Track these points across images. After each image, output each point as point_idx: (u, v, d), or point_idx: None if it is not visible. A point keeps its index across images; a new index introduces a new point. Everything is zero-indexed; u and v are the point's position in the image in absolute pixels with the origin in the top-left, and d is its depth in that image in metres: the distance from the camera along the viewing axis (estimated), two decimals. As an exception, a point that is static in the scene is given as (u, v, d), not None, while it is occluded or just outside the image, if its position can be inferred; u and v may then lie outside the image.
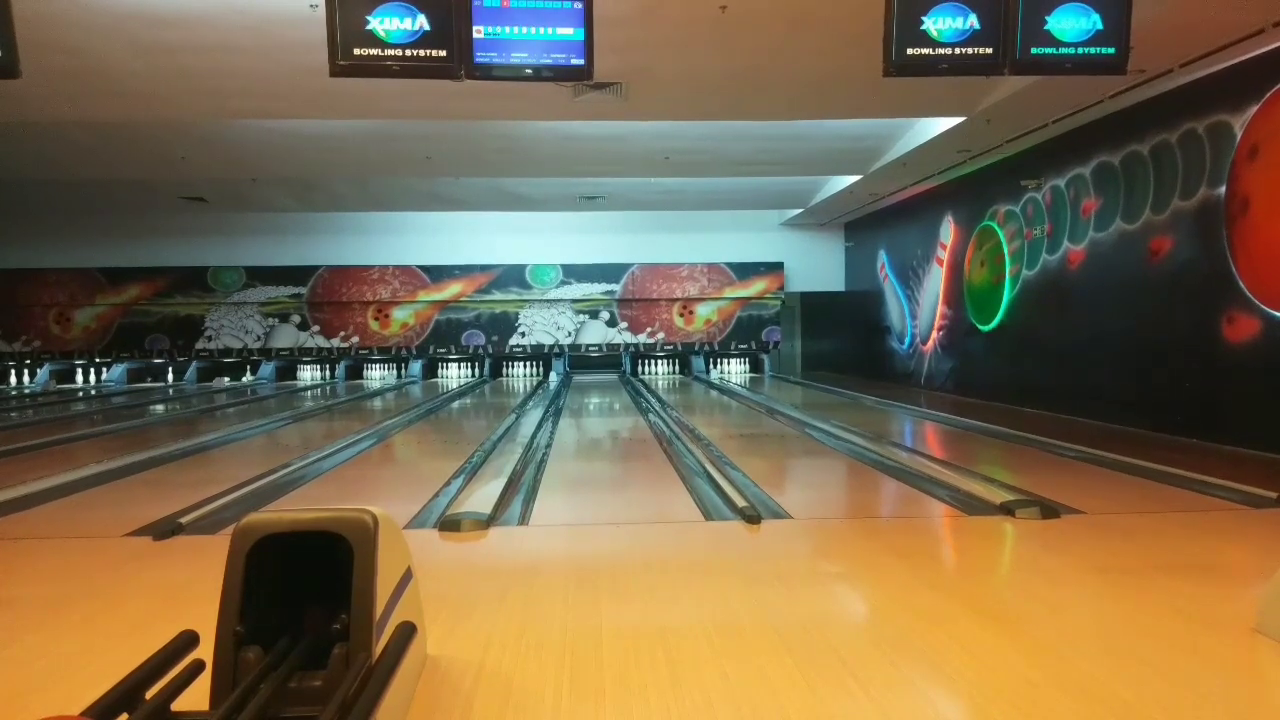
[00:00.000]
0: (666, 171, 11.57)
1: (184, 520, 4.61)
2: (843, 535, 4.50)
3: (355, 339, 16.90)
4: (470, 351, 17.03)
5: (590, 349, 17.09)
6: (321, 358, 17.00)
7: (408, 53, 4.91)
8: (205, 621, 2.17)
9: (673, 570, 3.78)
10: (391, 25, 4.88)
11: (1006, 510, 4.69)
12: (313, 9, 5.43)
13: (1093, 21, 5.05)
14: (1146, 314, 8.13)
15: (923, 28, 5.01)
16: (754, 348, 17.22)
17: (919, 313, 13.65)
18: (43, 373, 16.63)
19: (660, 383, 15.55)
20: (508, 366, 17.26)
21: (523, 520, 4.80)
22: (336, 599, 2.20)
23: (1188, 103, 7.42)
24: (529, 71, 5.04)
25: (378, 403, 12.84)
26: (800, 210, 15.42)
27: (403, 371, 17.14)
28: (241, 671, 2.08)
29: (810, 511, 5.19)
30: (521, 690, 2.53)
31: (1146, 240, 8.08)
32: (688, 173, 11.73)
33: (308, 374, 17.25)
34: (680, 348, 17.20)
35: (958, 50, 5.04)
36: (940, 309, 12.81)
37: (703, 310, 17.09)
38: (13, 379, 16.71)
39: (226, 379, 17.03)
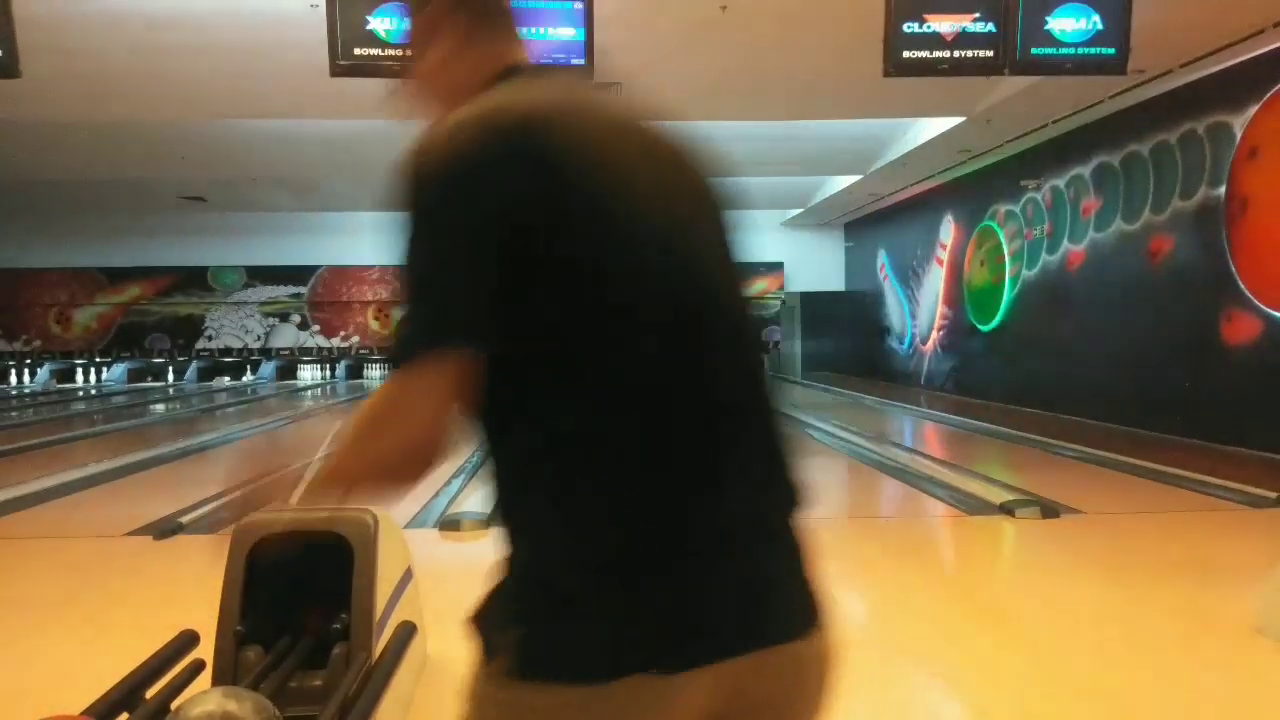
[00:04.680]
0: (666, 171, 11.56)
1: (184, 520, 4.61)
2: (843, 535, 4.50)
3: (355, 338, 16.90)
4: (470, 351, 17.04)
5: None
6: (322, 357, 17.00)
7: (407, 53, 4.91)
8: (205, 621, 2.17)
9: (673, 570, 3.77)
10: (391, 25, 4.88)
11: (1006, 510, 4.69)
12: (313, 9, 5.42)
13: (1093, 22, 5.05)
14: (1146, 314, 8.13)
15: (923, 28, 5.01)
16: (754, 348, 17.20)
17: (919, 313, 13.65)
18: (43, 372, 16.63)
19: (660, 383, 15.54)
20: (508, 366, 17.25)
21: (523, 520, 4.79)
22: (337, 599, 2.20)
23: (1188, 103, 7.41)
24: (529, 71, 5.03)
25: (378, 402, 12.82)
26: (800, 210, 15.41)
27: (403, 371, 17.13)
28: (242, 671, 2.08)
29: (810, 511, 5.20)
30: (521, 690, 2.52)
31: (1146, 240, 8.08)
32: (687, 172, 11.71)
33: (308, 374, 17.24)
34: (680, 347, 17.18)
35: (958, 50, 5.04)
36: (940, 309, 12.81)
37: (703, 310, 17.07)
38: (13, 378, 16.69)
39: (227, 378, 17.02)
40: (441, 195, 0.94)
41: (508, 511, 0.98)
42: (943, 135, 9.20)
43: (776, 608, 1.00)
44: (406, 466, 0.99)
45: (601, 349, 0.93)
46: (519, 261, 0.91)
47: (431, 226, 0.95)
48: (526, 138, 0.94)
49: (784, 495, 1.05)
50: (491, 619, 0.95)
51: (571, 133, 0.98)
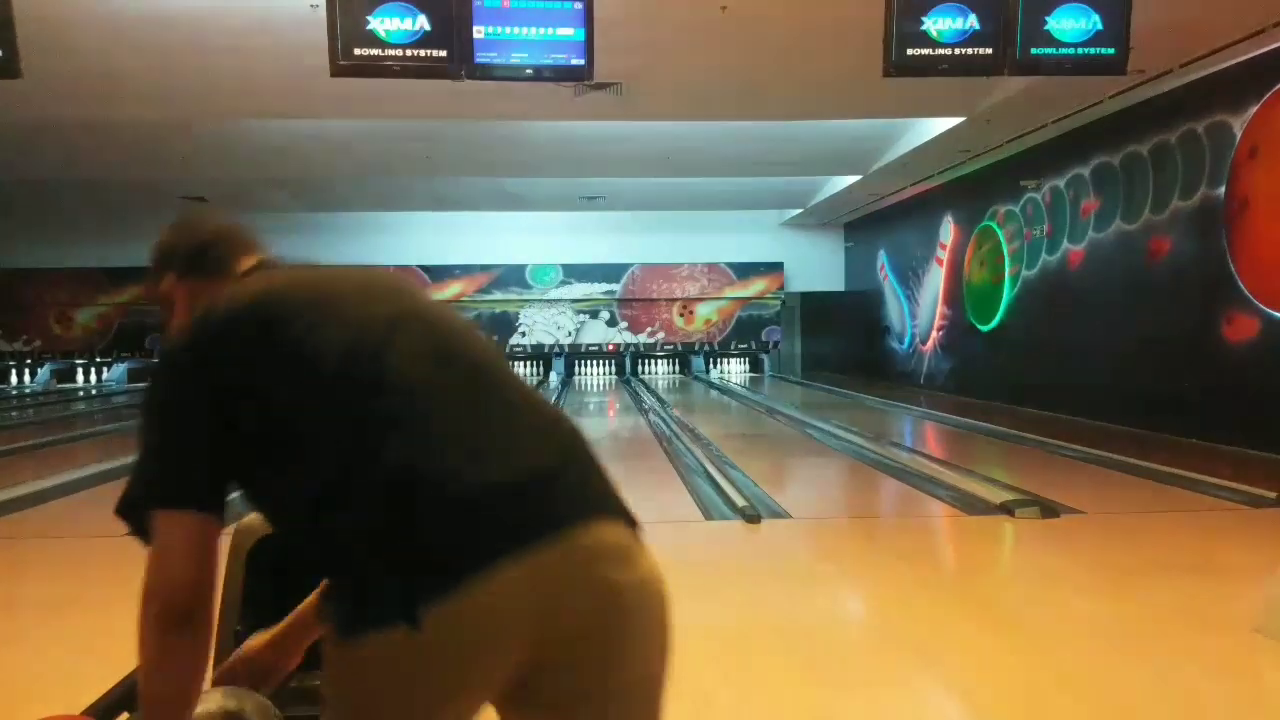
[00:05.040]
0: (666, 171, 11.56)
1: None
2: (843, 535, 4.50)
3: (355, 339, 16.88)
4: (470, 351, 17.01)
5: (590, 348, 17.08)
6: (321, 357, 16.97)
7: (408, 53, 4.91)
8: (206, 621, 2.17)
9: (673, 570, 3.76)
10: (392, 25, 4.88)
11: (1006, 510, 4.69)
12: (313, 9, 5.42)
13: (1093, 22, 5.05)
14: (1146, 314, 8.12)
15: (923, 28, 5.01)
16: (754, 348, 17.21)
17: (919, 313, 13.65)
18: (43, 372, 16.62)
19: (660, 382, 15.56)
20: (508, 366, 17.23)
21: (523, 520, 4.79)
22: (337, 599, 2.20)
23: (1188, 103, 7.41)
24: (529, 71, 5.04)
25: (378, 402, 12.81)
26: (800, 210, 15.41)
27: (403, 371, 17.12)
28: (242, 671, 2.08)
29: (810, 511, 5.20)
30: (522, 690, 2.52)
31: (1146, 240, 8.08)
32: (688, 173, 11.71)
33: (308, 373, 17.20)
34: (680, 347, 17.19)
35: (957, 51, 5.04)
36: (940, 309, 12.81)
37: (703, 310, 17.07)
38: (13, 378, 16.69)
39: (227, 379, 16.98)
40: (162, 384, 1.25)
41: (309, 541, 1.24)
42: (943, 135, 9.19)
43: (545, 511, 1.15)
44: (180, 625, 1.19)
45: (343, 430, 1.16)
46: (257, 403, 1.18)
47: (158, 407, 1.24)
48: (222, 323, 1.23)
49: (551, 456, 1.22)
50: (325, 605, 1.23)
51: (263, 300, 1.26)
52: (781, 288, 17.01)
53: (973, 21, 5.01)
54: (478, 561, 1.08)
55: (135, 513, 1.21)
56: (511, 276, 16.84)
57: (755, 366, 17.47)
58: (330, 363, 1.18)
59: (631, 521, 1.25)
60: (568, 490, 1.20)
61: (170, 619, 1.18)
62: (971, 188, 11.53)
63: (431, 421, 1.17)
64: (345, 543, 1.14)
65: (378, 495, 1.12)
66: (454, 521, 1.11)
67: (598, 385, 15.49)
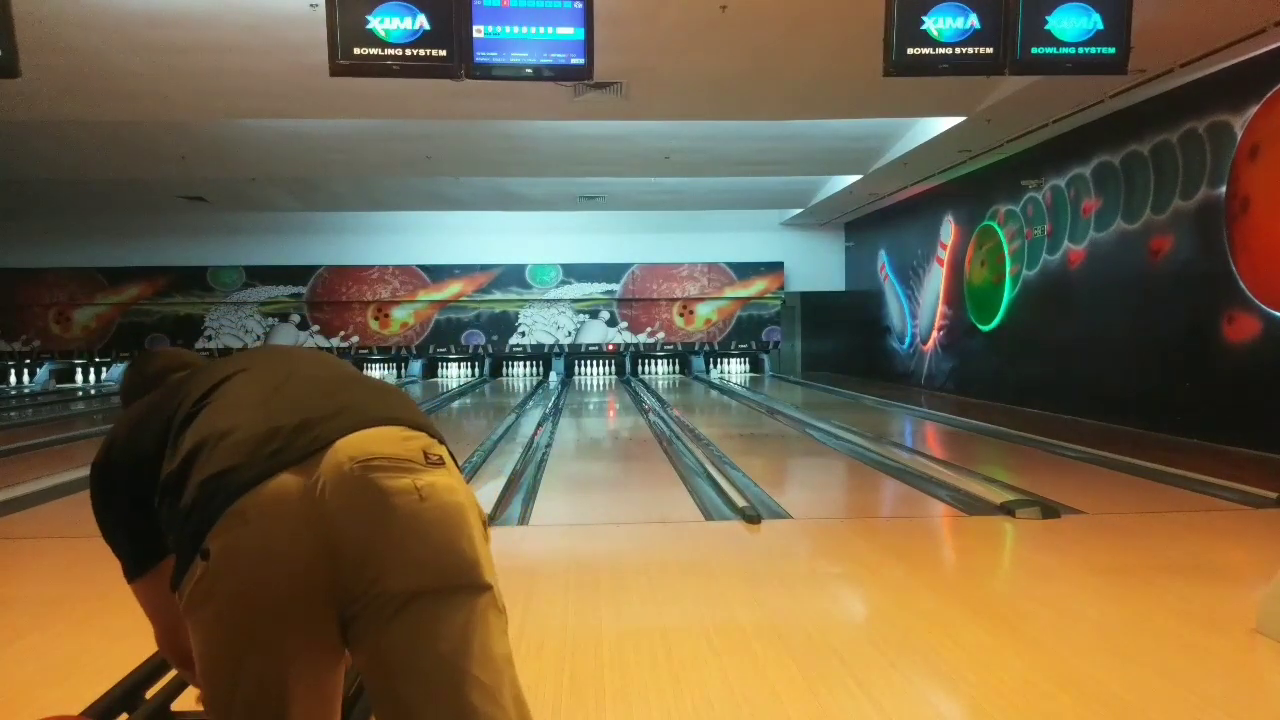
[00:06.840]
0: (666, 171, 11.55)
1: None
2: (843, 535, 4.50)
3: (355, 338, 16.89)
4: (470, 351, 17.03)
5: (590, 348, 17.08)
6: (321, 357, 16.95)
7: (408, 52, 4.91)
8: (205, 621, 2.17)
9: (673, 570, 3.78)
10: (391, 25, 4.88)
11: (1007, 510, 4.69)
12: (313, 8, 5.42)
13: (1093, 21, 5.05)
14: (1146, 314, 8.12)
15: (923, 28, 5.01)
16: (754, 347, 17.21)
17: (919, 313, 13.65)
18: (42, 372, 16.62)
19: (660, 382, 15.55)
20: (507, 366, 17.25)
21: (523, 520, 4.81)
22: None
23: (1188, 103, 7.41)
24: (529, 71, 5.03)
25: (378, 402, 12.78)
26: (800, 210, 15.41)
27: (402, 371, 17.14)
28: (241, 671, 2.08)
29: (810, 511, 5.19)
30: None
31: (1147, 240, 8.08)
32: (688, 173, 11.71)
33: (308, 374, 17.17)
34: (680, 347, 17.19)
35: (958, 50, 5.04)
36: (940, 309, 12.81)
37: (703, 310, 17.07)
38: (12, 378, 16.69)
39: (226, 379, 16.95)
40: (93, 492, 1.61)
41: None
42: (943, 135, 9.20)
43: (312, 437, 1.31)
44: (186, 661, 1.51)
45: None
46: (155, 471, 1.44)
47: (98, 511, 1.61)
48: (121, 434, 1.58)
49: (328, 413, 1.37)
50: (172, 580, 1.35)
51: (136, 412, 1.62)
52: (782, 288, 17.02)
53: (973, 21, 5.01)
54: (243, 485, 1.24)
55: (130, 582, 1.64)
56: (511, 276, 16.85)
57: (755, 366, 17.47)
58: (185, 412, 1.47)
59: (438, 440, 1.38)
60: (341, 418, 1.33)
61: (176, 661, 1.66)
62: (971, 188, 11.53)
63: (225, 410, 1.40)
64: (165, 514, 1.35)
65: (181, 460, 1.35)
66: (222, 461, 1.28)
67: (598, 385, 15.49)
